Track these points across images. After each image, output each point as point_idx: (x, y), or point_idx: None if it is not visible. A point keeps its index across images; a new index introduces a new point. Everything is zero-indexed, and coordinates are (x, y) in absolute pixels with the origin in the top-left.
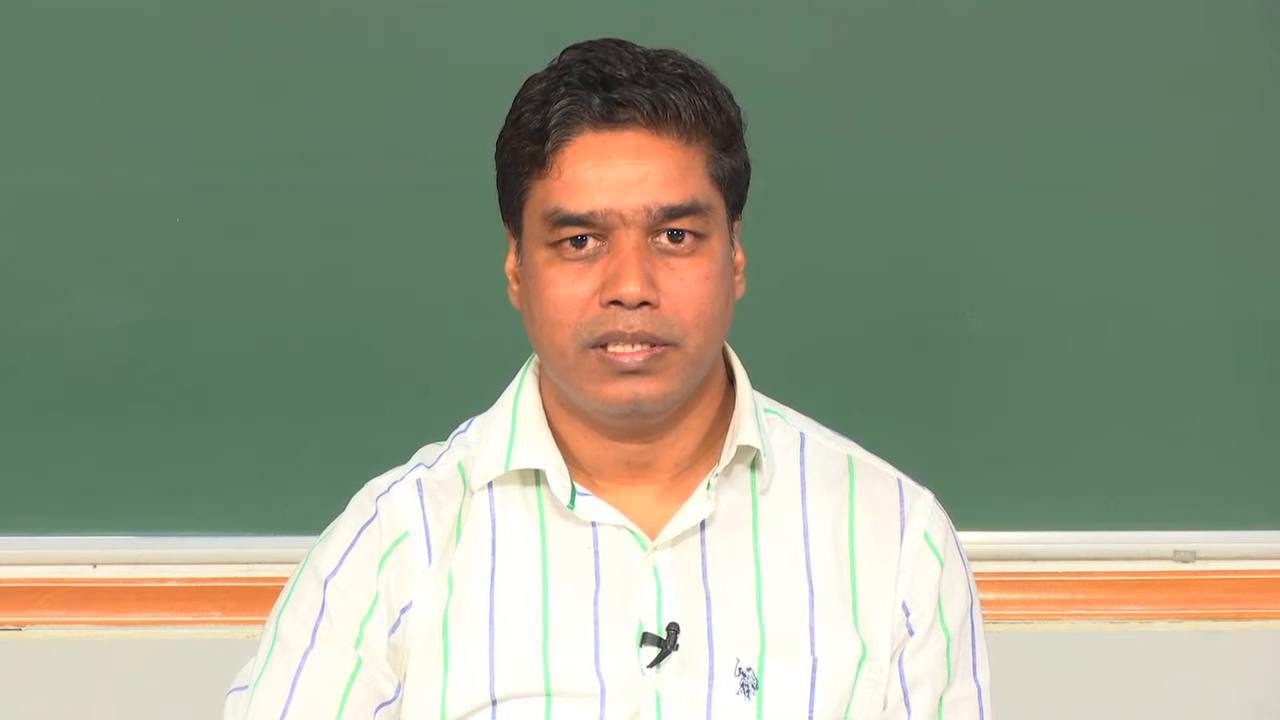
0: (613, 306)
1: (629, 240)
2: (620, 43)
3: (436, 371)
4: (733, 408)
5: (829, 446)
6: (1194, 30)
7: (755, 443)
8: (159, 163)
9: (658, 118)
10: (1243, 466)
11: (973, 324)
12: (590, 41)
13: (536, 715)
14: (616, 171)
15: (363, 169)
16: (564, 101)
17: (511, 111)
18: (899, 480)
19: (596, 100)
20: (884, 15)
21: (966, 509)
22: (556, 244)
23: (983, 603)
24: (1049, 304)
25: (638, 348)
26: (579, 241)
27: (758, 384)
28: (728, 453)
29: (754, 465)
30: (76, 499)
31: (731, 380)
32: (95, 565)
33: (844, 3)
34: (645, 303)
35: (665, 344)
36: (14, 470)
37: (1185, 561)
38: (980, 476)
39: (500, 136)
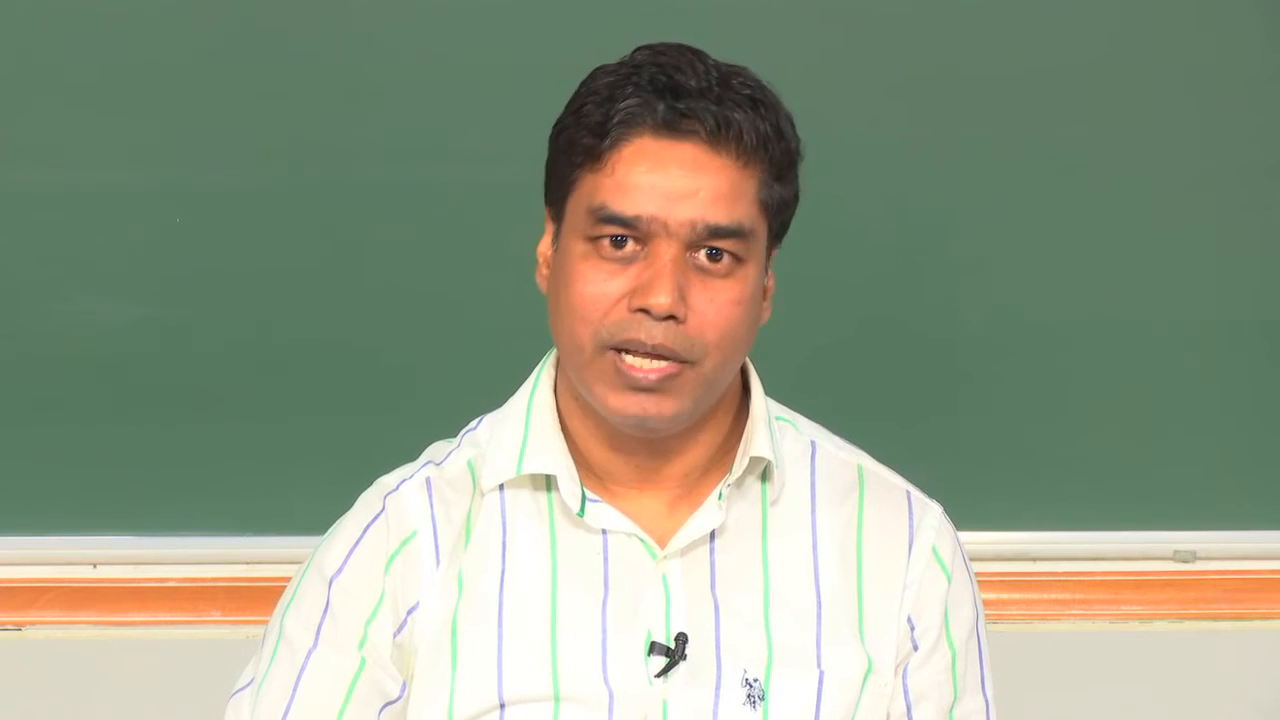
0: (639, 313)
1: (668, 251)
2: (695, 51)
3: (438, 371)
4: (746, 417)
5: (839, 456)
6: (1194, 30)
7: (768, 454)
8: (159, 163)
9: (719, 135)
10: (1243, 466)
11: (972, 324)
12: (664, 44)
13: (544, 719)
14: (669, 181)
15: (363, 169)
16: (630, 101)
17: (574, 101)
18: (908, 493)
19: (662, 106)
20: (885, 17)
21: (966, 509)
22: (595, 239)
23: (983, 603)
24: (1049, 304)
25: (653, 364)
26: (618, 242)
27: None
28: (740, 464)
29: (765, 475)
30: (76, 499)
31: (746, 389)
32: (95, 565)
33: (845, 4)
34: (672, 316)
35: (683, 361)
36: (14, 470)
37: (1185, 561)
38: (980, 476)
39: (558, 123)
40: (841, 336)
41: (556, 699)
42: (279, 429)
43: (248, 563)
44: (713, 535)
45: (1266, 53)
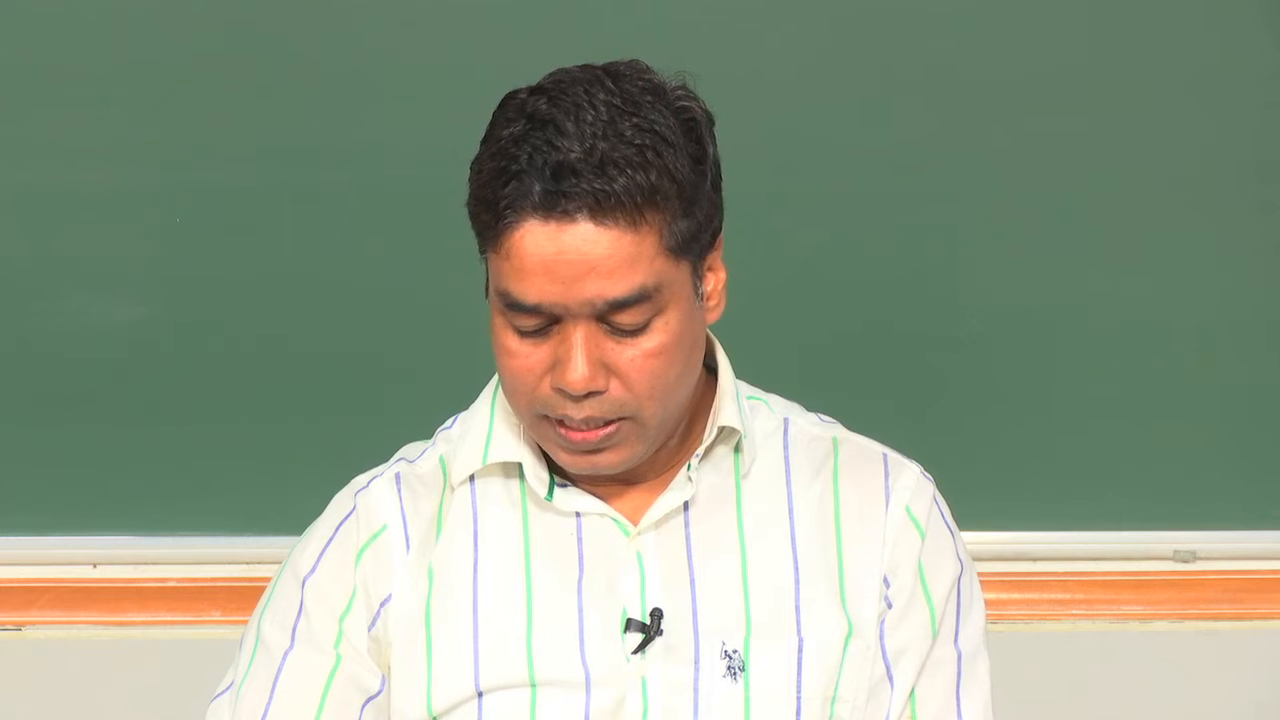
0: (561, 391)
1: (576, 329)
2: (589, 88)
3: (436, 371)
4: (714, 395)
5: (813, 430)
6: (1194, 30)
7: (735, 424)
8: (159, 163)
9: (602, 209)
10: (1243, 466)
11: (972, 324)
12: (563, 80)
13: (522, 706)
14: (561, 265)
15: (363, 169)
16: (512, 185)
17: (484, 143)
18: (884, 455)
19: (539, 189)
20: (884, 15)
21: (967, 509)
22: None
23: (985, 603)
24: (1049, 304)
25: (590, 428)
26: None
27: (757, 382)
28: (709, 434)
29: (737, 449)
30: (76, 499)
31: (712, 370)
32: (95, 565)
33: (844, 3)
34: (593, 392)
35: (617, 420)
36: (14, 470)
37: (1185, 561)
38: (981, 476)
39: (471, 170)
40: (841, 336)
41: (533, 684)
42: (279, 429)
43: (248, 563)
44: (686, 507)
45: (1268, 51)
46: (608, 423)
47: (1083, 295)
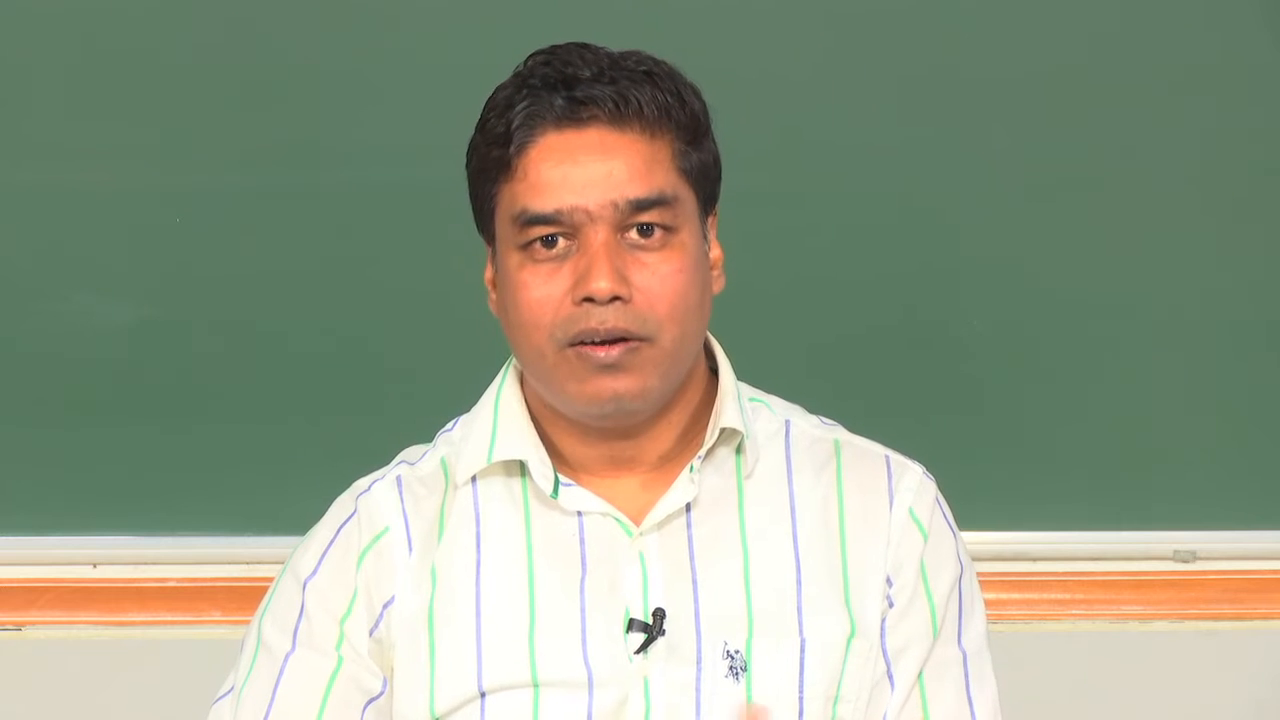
0: (585, 304)
1: (598, 236)
2: (584, 45)
3: (437, 372)
4: (715, 397)
5: (815, 433)
6: (1194, 30)
7: (738, 425)
8: (159, 163)
9: (620, 113)
10: (1243, 466)
11: (973, 324)
12: (553, 46)
13: (525, 706)
14: (581, 169)
15: (363, 169)
16: (526, 103)
17: (480, 120)
18: (886, 457)
19: (559, 100)
20: (885, 15)
21: (967, 509)
22: (527, 246)
23: (985, 602)
24: (1050, 304)
25: (614, 343)
26: (549, 242)
27: (759, 382)
28: (711, 435)
29: (739, 450)
30: (76, 499)
31: (714, 371)
32: (95, 565)
33: (845, 4)
34: (617, 298)
35: (640, 339)
36: (14, 470)
37: (1185, 561)
38: (981, 477)
39: (470, 145)
40: (844, 336)
41: (536, 684)
42: (278, 429)
43: (248, 563)
44: (689, 508)
45: (1268, 51)
46: (631, 339)
47: (1083, 295)
